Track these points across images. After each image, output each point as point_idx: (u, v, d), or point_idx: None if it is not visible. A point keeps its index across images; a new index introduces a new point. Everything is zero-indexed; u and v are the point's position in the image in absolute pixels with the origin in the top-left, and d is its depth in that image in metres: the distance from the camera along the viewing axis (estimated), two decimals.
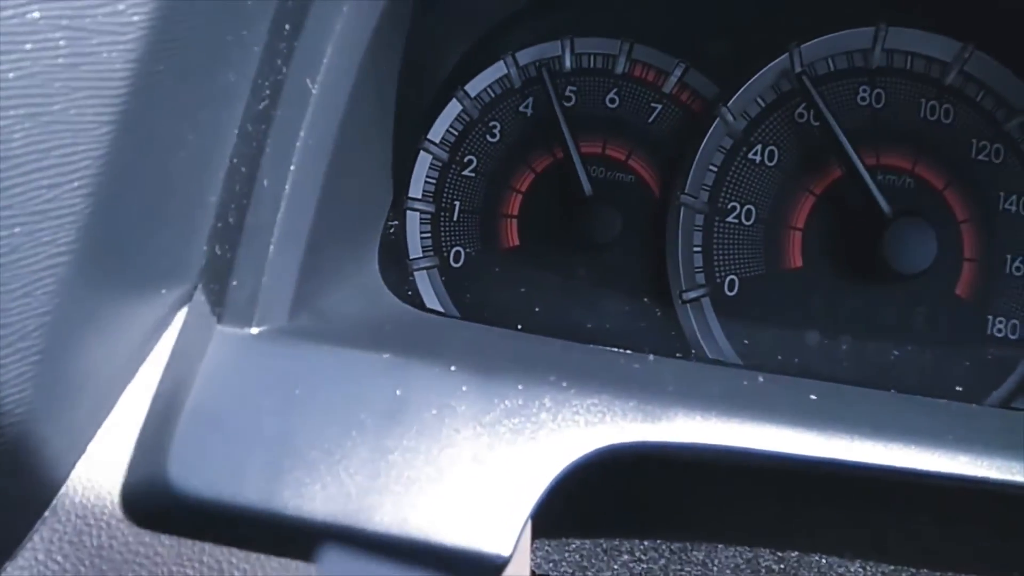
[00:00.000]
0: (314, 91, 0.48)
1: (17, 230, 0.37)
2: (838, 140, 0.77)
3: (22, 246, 0.37)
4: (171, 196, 0.46)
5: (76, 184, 0.38)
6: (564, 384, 0.47)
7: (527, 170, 0.82)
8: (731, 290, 0.81)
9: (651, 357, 0.56)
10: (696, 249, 0.81)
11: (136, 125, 0.40)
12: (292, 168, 0.47)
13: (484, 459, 0.44)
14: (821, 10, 0.81)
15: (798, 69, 0.80)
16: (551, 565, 0.55)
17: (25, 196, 0.37)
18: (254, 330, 0.46)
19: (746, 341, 0.79)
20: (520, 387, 0.46)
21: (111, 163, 0.39)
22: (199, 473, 0.42)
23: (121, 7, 0.38)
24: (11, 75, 0.35)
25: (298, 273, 0.48)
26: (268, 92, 0.48)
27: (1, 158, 0.36)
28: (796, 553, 0.55)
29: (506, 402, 0.45)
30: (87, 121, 0.38)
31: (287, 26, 0.48)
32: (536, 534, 0.57)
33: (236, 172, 0.48)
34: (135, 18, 0.39)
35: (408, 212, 0.81)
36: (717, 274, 0.81)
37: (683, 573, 0.55)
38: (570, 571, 0.55)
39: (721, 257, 0.81)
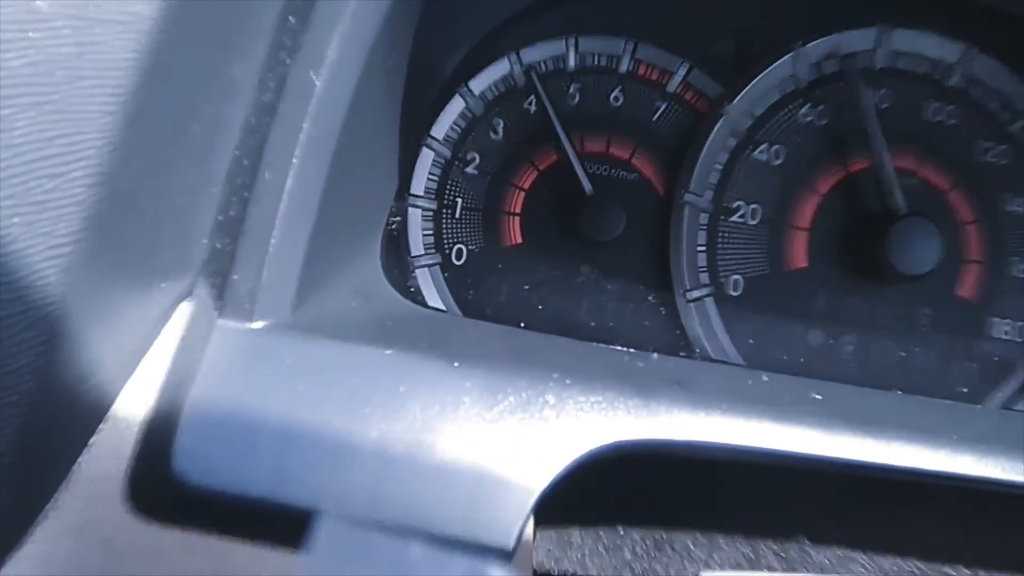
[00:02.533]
0: (318, 85, 0.48)
1: (16, 220, 0.37)
2: (868, 132, 0.76)
3: (23, 236, 0.37)
4: (173, 188, 0.46)
5: (78, 174, 0.38)
6: (567, 381, 0.47)
7: (530, 168, 0.82)
8: (735, 290, 0.80)
9: (655, 355, 0.56)
10: (700, 248, 0.80)
11: (140, 116, 0.40)
12: (295, 162, 0.47)
13: (488, 455, 0.44)
14: (825, 11, 0.81)
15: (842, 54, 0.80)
16: (553, 563, 0.55)
17: (27, 186, 0.37)
18: (256, 324, 0.46)
19: (751, 341, 0.79)
20: (524, 384, 0.46)
21: (114, 154, 0.39)
22: (203, 466, 0.42)
23: None
24: (15, 63, 0.35)
25: (300, 268, 0.48)
26: (272, 85, 0.48)
27: (3, 147, 0.36)
28: (796, 551, 0.54)
29: (510, 398, 0.45)
30: (91, 111, 0.38)
31: (292, 19, 0.48)
32: (537, 530, 0.57)
33: (239, 165, 0.48)
34: (141, 8, 0.39)
35: (410, 209, 0.81)
36: (721, 274, 0.80)
37: (685, 572, 0.54)
38: (571, 569, 0.55)
39: (725, 256, 0.80)
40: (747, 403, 0.48)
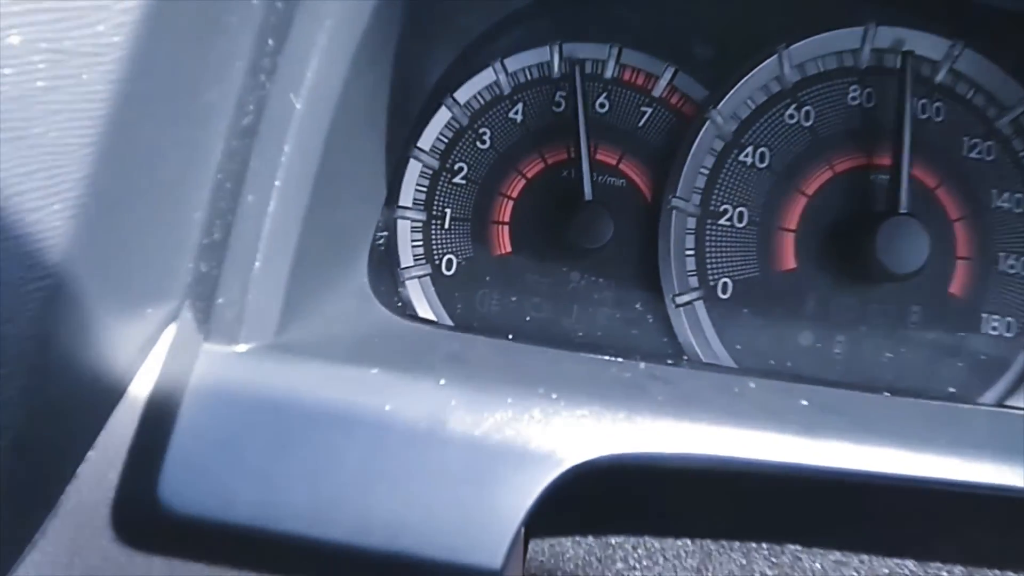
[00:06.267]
0: (298, 106, 0.48)
1: None
2: (902, 129, 0.76)
3: (4, 270, 0.37)
4: (156, 214, 0.46)
5: (58, 207, 0.38)
6: (553, 396, 0.47)
7: (518, 176, 0.82)
8: (724, 293, 0.80)
9: (642, 365, 0.56)
10: (689, 252, 0.80)
11: (118, 145, 0.40)
12: (277, 184, 0.47)
13: (474, 473, 0.44)
14: (810, 11, 0.81)
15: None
16: (545, 574, 0.55)
17: (6, 220, 0.37)
18: (241, 347, 0.46)
19: (738, 347, 0.79)
20: (509, 400, 0.46)
21: (94, 184, 0.39)
22: (190, 493, 0.42)
23: (101, 28, 0.38)
24: None
25: (285, 289, 0.48)
26: (252, 108, 0.48)
27: None
28: (789, 558, 0.54)
29: (496, 415, 0.45)
30: (68, 143, 0.38)
31: (270, 41, 0.48)
32: (530, 540, 0.57)
33: (221, 188, 0.48)
34: (115, 39, 0.39)
35: (399, 221, 0.81)
36: (710, 277, 0.80)
37: None
38: None
39: (714, 260, 0.81)
40: (733, 413, 0.48)
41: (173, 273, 0.47)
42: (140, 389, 0.45)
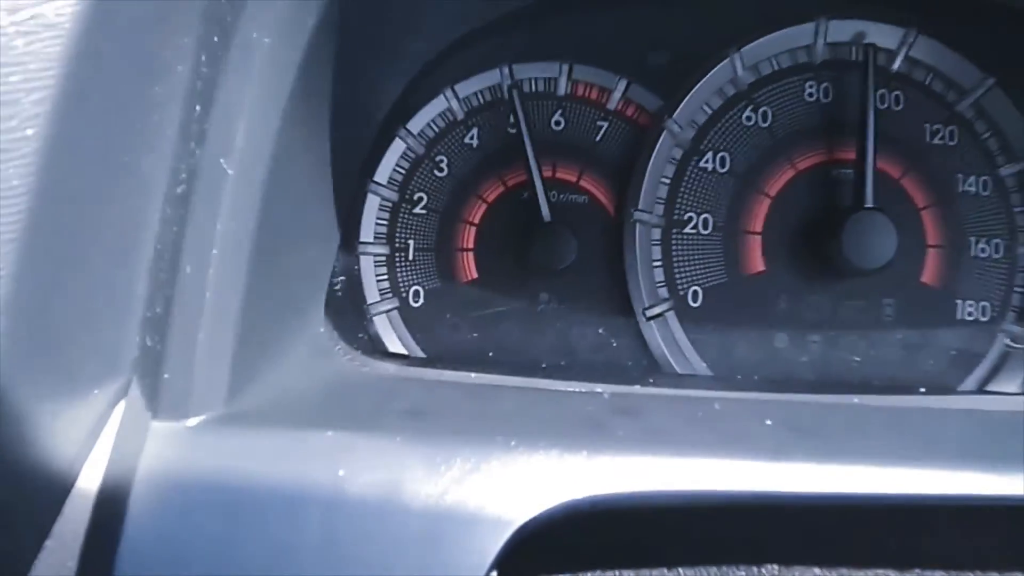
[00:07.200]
0: (230, 172, 0.47)
1: None
2: (864, 124, 0.75)
3: None
4: (95, 291, 0.45)
5: None
6: (512, 443, 0.46)
7: (479, 202, 0.81)
8: (695, 301, 0.80)
9: (606, 395, 0.56)
10: (656, 264, 0.80)
11: (46, 232, 0.39)
12: (214, 252, 0.47)
13: (434, 531, 0.43)
14: (759, 11, 0.80)
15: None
16: None
17: None
18: (191, 422, 0.45)
19: (712, 355, 0.79)
20: (467, 452, 0.45)
21: (23, 276, 0.39)
22: None
23: (14, 123, 0.38)
24: None
25: (231, 357, 0.47)
26: (184, 176, 0.48)
27: None
28: None
29: (453, 470, 0.45)
30: None
31: (197, 107, 0.48)
32: None
33: (160, 259, 0.47)
34: (28, 132, 0.38)
35: (362, 257, 0.80)
36: (679, 286, 0.80)
37: None
38: None
39: (682, 269, 0.80)
40: (697, 443, 0.48)
41: (118, 350, 0.47)
42: (92, 475, 0.44)
